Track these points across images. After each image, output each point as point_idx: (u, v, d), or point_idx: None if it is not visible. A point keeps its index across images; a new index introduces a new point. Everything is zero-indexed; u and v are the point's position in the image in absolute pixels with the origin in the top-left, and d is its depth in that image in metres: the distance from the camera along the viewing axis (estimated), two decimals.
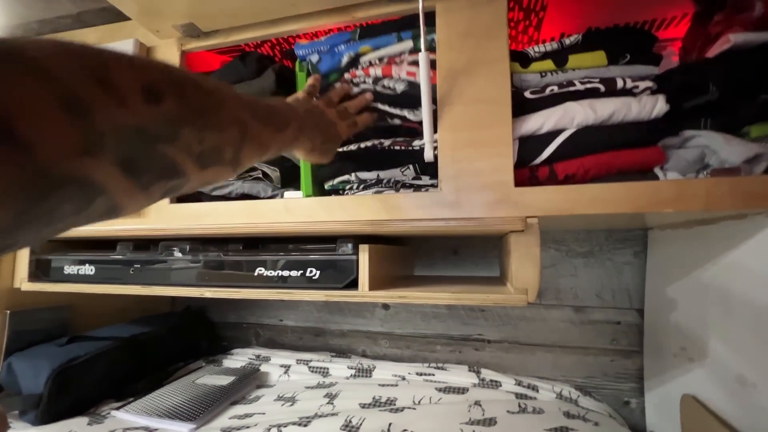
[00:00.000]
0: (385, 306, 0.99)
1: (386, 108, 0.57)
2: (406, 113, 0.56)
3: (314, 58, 0.61)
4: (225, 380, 0.83)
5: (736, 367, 0.51)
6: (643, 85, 0.48)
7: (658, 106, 0.47)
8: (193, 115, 0.22)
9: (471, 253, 0.93)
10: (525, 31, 0.70)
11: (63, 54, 0.16)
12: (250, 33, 0.62)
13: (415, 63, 0.54)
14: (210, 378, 0.85)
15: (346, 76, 0.59)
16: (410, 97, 0.53)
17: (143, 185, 0.20)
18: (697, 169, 0.48)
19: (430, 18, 0.53)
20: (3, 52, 0.14)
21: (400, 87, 0.55)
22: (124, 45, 0.66)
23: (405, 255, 0.83)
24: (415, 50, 0.55)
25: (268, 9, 0.57)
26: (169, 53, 0.65)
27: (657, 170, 0.49)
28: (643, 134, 0.48)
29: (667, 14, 0.62)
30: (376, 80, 0.57)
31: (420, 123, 0.51)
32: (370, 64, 0.58)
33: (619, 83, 0.49)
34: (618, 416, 0.77)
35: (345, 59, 0.58)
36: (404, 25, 0.56)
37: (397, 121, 0.57)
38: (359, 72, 0.57)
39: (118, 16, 0.63)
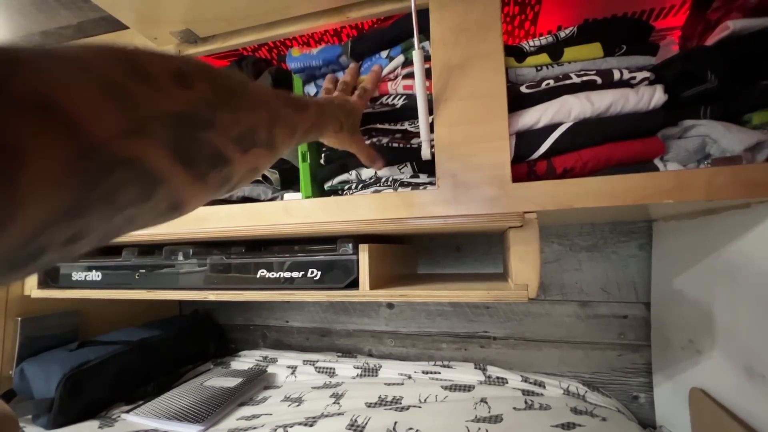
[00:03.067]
0: (390, 305, 0.99)
1: (386, 126, 0.57)
2: (406, 126, 0.56)
3: (311, 89, 0.61)
4: (232, 382, 0.84)
5: (744, 359, 0.50)
6: (640, 75, 0.48)
7: (656, 96, 0.46)
8: (225, 98, 0.22)
9: (474, 249, 0.92)
10: (521, 26, 0.69)
11: (95, 49, 0.17)
12: (247, 37, 0.62)
13: (410, 76, 0.54)
14: (218, 380, 0.86)
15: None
16: (410, 110, 0.53)
17: (200, 175, 0.21)
18: (698, 159, 0.47)
19: (423, 18, 0.53)
20: (39, 51, 0.15)
21: (399, 102, 0.55)
22: None
23: (407, 253, 0.83)
24: (408, 63, 0.55)
25: (263, 12, 0.58)
26: None
27: (657, 161, 0.48)
28: (641, 125, 0.47)
29: (665, 3, 0.61)
30: (374, 101, 0.57)
31: (419, 132, 0.51)
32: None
33: (616, 75, 0.48)
34: (627, 411, 0.76)
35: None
36: (394, 37, 0.56)
37: (398, 136, 0.57)
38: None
39: (117, 25, 0.64)
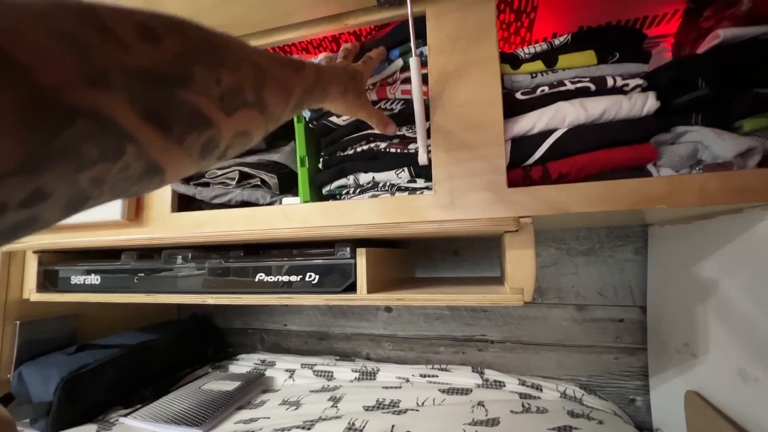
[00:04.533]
0: (388, 309, 0.99)
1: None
2: (404, 131, 0.56)
3: None
4: (231, 386, 0.84)
5: (738, 362, 0.50)
6: (633, 82, 0.49)
7: (649, 103, 0.47)
8: (201, 53, 0.21)
9: (472, 253, 0.93)
10: (517, 33, 0.70)
11: (48, 0, 0.16)
12: None
13: (409, 81, 0.55)
14: (216, 383, 0.86)
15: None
16: (408, 116, 0.54)
17: (176, 138, 0.19)
18: (691, 165, 0.48)
19: (420, 24, 0.54)
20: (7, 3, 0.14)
21: (397, 107, 0.56)
22: None
23: (405, 257, 0.83)
24: (407, 67, 0.56)
25: (262, 19, 0.59)
26: None
27: (650, 167, 0.49)
28: (634, 131, 0.48)
29: (658, 11, 0.62)
30: (373, 105, 0.57)
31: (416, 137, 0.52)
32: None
33: (610, 82, 0.49)
34: (623, 414, 0.77)
35: None
36: (393, 42, 0.57)
37: (396, 141, 0.58)
38: None
39: None
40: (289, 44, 0.67)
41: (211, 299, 0.61)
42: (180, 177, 0.22)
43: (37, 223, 0.16)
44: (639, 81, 0.49)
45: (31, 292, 0.75)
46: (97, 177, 0.17)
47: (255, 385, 0.87)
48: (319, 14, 0.58)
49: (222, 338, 1.15)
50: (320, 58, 0.58)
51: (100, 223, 0.65)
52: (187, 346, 1.01)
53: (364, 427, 0.65)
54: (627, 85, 0.49)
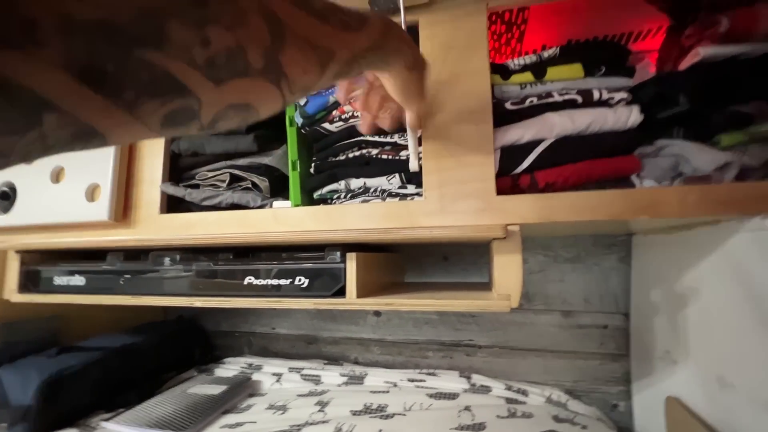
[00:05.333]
0: (377, 313, 0.99)
1: (376, 138, 0.58)
2: (396, 138, 0.57)
3: (301, 101, 0.62)
4: (217, 389, 0.84)
5: (716, 369, 0.52)
6: (618, 96, 0.50)
7: (633, 116, 0.49)
8: (182, 5, 0.17)
9: (461, 259, 0.94)
10: (508, 43, 0.71)
11: None
12: None
13: None
14: (201, 387, 0.85)
15: (335, 113, 0.59)
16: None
17: (126, 104, 0.16)
18: (672, 177, 0.50)
19: (414, 33, 0.55)
20: None
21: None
22: None
23: (395, 262, 0.84)
24: None
25: None
26: None
27: (633, 178, 0.51)
28: (619, 143, 0.50)
29: (643, 27, 0.64)
30: None
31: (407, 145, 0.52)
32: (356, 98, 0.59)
33: (596, 94, 0.51)
34: (607, 419, 0.78)
35: (332, 98, 0.59)
36: None
37: (387, 147, 0.58)
38: (347, 107, 0.59)
39: None
40: None
41: (198, 302, 0.61)
42: (129, 143, 0.19)
43: None
44: (624, 95, 0.50)
45: (12, 292, 0.73)
46: (9, 145, 0.14)
47: (241, 389, 0.86)
48: None
49: (209, 341, 1.13)
50: None
51: (86, 223, 0.64)
52: (173, 348, 0.99)
53: (351, 431, 0.65)
54: (612, 98, 0.50)
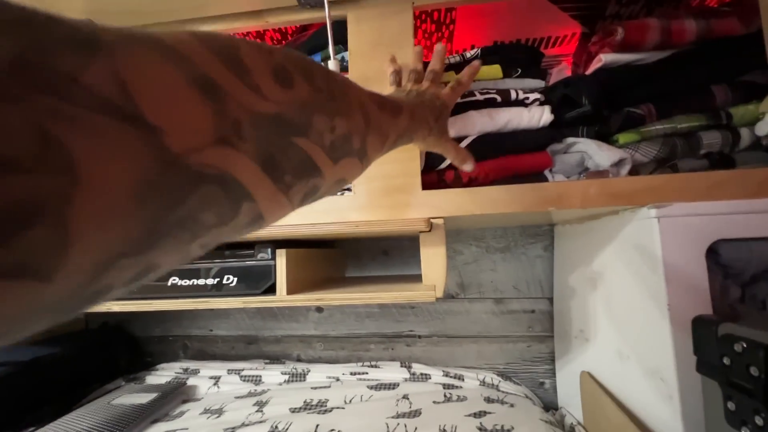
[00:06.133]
0: (319, 309, 0.99)
1: None
2: None
3: None
4: (145, 398, 0.79)
5: (616, 344, 0.58)
6: (532, 96, 0.54)
7: (545, 116, 0.53)
8: (324, 101, 0.20)
9: (401, 252, 0.96)
10: (439, 42, 0.74)
11: (193, 36, 0.14)
12: None
13: None
14: (128, 397, 0.80)
15: None
16: None
17: (284, 187, 0.18)
18: (579, 172, 0.54)
19: (343, 28, 0.55)
20: (133, 34, 0.12)
21: None
22: None
23: (332, 257, 0.83)
24: None
25: (175, 8, 0.55)
26: None
27: (547, 173, 0.55)
28: (533, 141, 0.53)
29: (559, 32, 0.70)
30: None
31: None
32: None
33: (513, 94, 0.54)
34: (534, 397, 0.84)
35: None
36: (315, 46, 0.58)
37: None
38: None
39: None
40: None
41: (116, 306, 0.57)
42: (275, 222, 0.20)
43: (126, 290, 0.13)
44: (537, 95, 0.54)
45: None
46: (207, 242, 0.15)
47: (174, 396, 0.82)
48: (238, 9, 0.56)
49: (138, 348, 1.06)
50: (407, 88, 0.48)
51: None
52: (94, 358, 0.92)
53: (287, 429, 0.65)
54: (528, 98, 0.54)
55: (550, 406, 0.88)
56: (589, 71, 0.56)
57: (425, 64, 0.51)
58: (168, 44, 0.13)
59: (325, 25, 0.57)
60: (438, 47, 0.51)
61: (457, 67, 0.56)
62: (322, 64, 0.56)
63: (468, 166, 0.48)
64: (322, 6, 0.54)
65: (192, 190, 0.13)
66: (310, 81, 0.19)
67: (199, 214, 0.13)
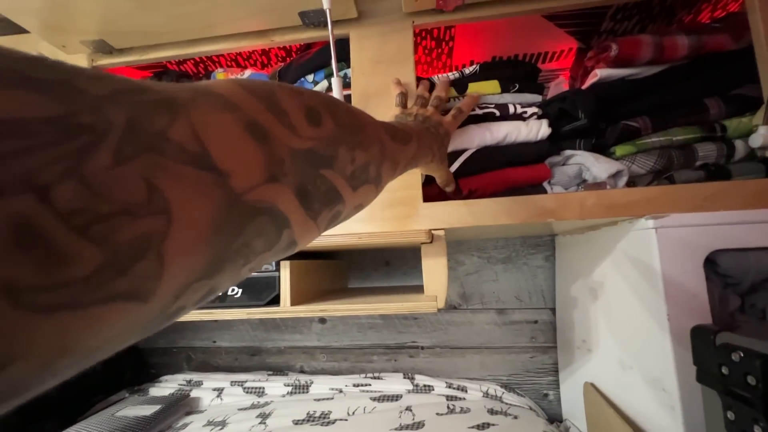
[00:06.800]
0: (322, 320, 0.99)
1: None
2: None
3: None
4: (149, 410, 0.79)
5: (618, 354, 0.58)
6: (530, 110, 0.55)
7: (543, 129, 0.54)
8: (346, 135, 0.22)
9: (403, 264, 0.97)
10: (439, 58, 0.76)
11: (238, 86, 0.16)
12: (167, 52, 0.61)
13: None
14: (132, 409, 0.80)
15: None
16: None
17: (313, 214, 0.20)
18: (577, 184, 0.55)
19: (346, 46, 0.57)
20: (196, 89, 0.14)
21: None
22: None
23: (335, 268, 0.84)
24: (331, 88, 0.59)
25: (184, 29, 0.58)
26: None
27: (545, 184, 0.56)
28: (531, 153, 0.55)
29: (556, 48, 0.71)
30: None
31: None
32: None
33: (511, 109, 0.55)
34: (538, 408, 0.84)
35: None
36: (319, 63, 0.59)
37: None
38: None
39: (18, 28, 0.60)
40: (217, 55, 0.67)
41: None
42: (304, 247, 0.22)
43: (191, 310, 0.15)
44: (535, 109, 0.55)
45: None
46: (254, 266, 0.17)
47: (178, 408, 0.82)
48: (245, 29, 0.59)
49: (142, 360, 1.06)
50: (413, 111, 0.51)
51: None
52: (98, 370, 0.92)
53: None
54: (525, 112, 0.55)
55: (554, 418, 0.87)
56: (585, 86, 0.58)
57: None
58: (223, 95, 0.15)
59: (328, 43, 0.59)
60: (443, 78, 0.55)
61: (456, 83, 0.57)
62: (326, 80, 0.58)
63: (449, 188, 0.52)
64: (325, 25, 0.57)
65: (249, 222, 0.15)
66: (335, 118, 0.21)
67: (253, 241, 0.15)
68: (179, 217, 0.12)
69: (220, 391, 0.90)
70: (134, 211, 0.10)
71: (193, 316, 0.56)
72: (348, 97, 0.56)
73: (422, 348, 0.95)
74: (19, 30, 0.65)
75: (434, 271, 0.51)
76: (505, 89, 0.57)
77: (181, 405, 0.84)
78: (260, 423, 0.74)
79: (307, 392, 0.88)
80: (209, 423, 0.77)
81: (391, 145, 0.29)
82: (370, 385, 0.87)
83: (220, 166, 0.13)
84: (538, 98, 0.57)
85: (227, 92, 0.16)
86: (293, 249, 0.20)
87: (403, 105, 0.52)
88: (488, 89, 0.57)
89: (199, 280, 0.13)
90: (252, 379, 0.92)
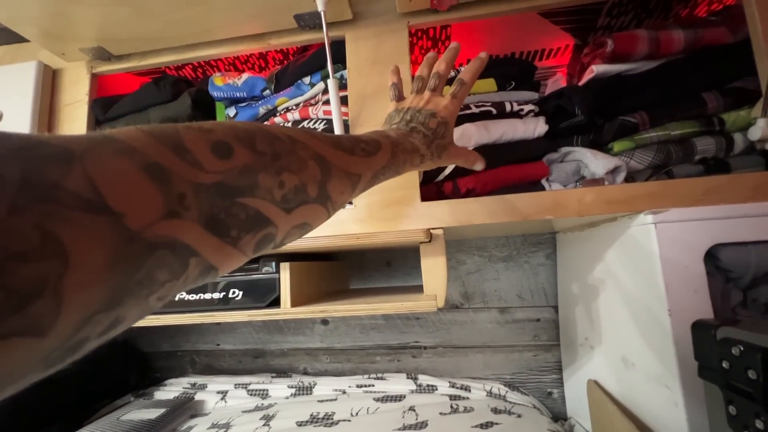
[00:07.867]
0: (324, 321, 0.99)
1: None
2: None
3: (231, 112, 0.62)
4: (154, 413, 0.79)
5: (621, 351, 0.58)
6: (527, 108, 0.55)
7: (539, 126, 0.54)
8: (267, 161, 0.22)
9: (404, 264, 0.97)
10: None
11: (141, 131, 0.17)
12: (165, 57, 0.62)
13: (329, 102, 0.57)
14: (137, 413, 0.81)
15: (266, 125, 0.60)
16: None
17: (232, 240, 0.20)
18: (576, 180, 0.55)
19: (342, 47, 0.57)
20: (93, 139, 0.15)
21: (320, 126, 0.58)
22: (27, 67, 0.62)
23: (336, 269, 0.84)
24: (328, 90, 0.59)
25: (182, 34, 0.58)
26: (77, 76, 0.63)
27: (543, 182, 0.56)
28: (529, 151, 0.55)
29: (553, 45, 0.71)
30: (296, 124, 0.59)
31: None
32: (288, 110, 0.60)
33: (508, 107, 0.55)
34: (542, 407, 0.84)
35: (261, 110, 0.60)
36: (315, 65, 0.59)
37: None
38: (277, 119, 0.60)
39: (18, 37, 0.60)
40: (215, 59, 0.67)
41: None
42: (231, 270, 0.22)
43: (98, 342, 0.16)
44: (532, 107, 0.55)
45: None
46: (162, 295, 0.18)
47: (182, 411, 0.83)
48: (242, 33, 0.59)
49: (147, 363, 1.07)
50: (404, 106, 0.45)
51: None
52: (103, 374, 0.93)
53: None
54: (522, 110, 0.55)
55: (559, 416, 0.87)
56: (581, 82, 0.57)
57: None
58: (122, 141, 0.16)
59: (324, 45, 0.60)
60: (452, 45, 0.48)
61: (452, 82, 0.57)
62: (323, 82, 0.59)
63: (479, 165, 0.47)
64: (321, 27, 0.57)
65: (148, 256, 0.16)
66: (251, 147, 0.21)
67: (155, 273, 0.16)
68: (75, 258, 0.13)
69: (224, 393, 0.91)
70: (28, 256, 0.11)
71: (195, 318, 0.56)
72: (345, 99, 0.56)
73: (425, 348, 0.95)
74: (19, 39, 0.66)
75: (433, 270, 0.51)
76: (501, 87, 0.57)
77: (186, 408, 0.84)
78: (264, 425, 0.74)
79: (311, 394, 0.88)
80: (213, 425, 0.77)
81: (341, 161, 0.28)
82: (373, 385, 0.87)
83: (114, 208, 0.14)
84: (534, 95, 0.57)
85: (128, 138, 0.17)
86: (214, 273, 0.21)
87: (398, 97, 0.47)
88: (484, 87, 0.57)
89: (100, 312, 0.14)
90: (256, 382, 0.92)
